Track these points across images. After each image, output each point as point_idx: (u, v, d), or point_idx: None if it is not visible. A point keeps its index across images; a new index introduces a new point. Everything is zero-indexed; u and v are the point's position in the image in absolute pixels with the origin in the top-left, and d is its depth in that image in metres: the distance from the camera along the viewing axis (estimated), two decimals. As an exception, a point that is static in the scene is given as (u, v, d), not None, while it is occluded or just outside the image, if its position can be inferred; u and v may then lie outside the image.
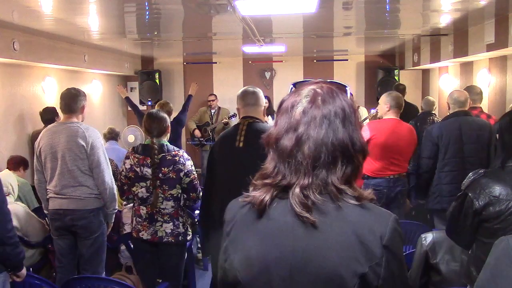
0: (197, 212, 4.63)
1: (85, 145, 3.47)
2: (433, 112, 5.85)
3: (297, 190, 1.12)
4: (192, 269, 4.22)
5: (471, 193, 2.24)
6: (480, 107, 4.73)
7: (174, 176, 3.23)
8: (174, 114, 5.77)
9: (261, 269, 1.15)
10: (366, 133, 4.05)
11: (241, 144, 2.85)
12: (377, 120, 4.46)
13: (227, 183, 2.77)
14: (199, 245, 4.86)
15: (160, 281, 3.24)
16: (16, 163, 4.59)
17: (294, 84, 1.27)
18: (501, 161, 2.25)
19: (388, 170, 4.17)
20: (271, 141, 1.19)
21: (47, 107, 5.32)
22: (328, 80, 1.25)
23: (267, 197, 1.16)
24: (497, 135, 2.33)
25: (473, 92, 4.65)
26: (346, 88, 1.24)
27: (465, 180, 2.34)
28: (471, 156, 4.02)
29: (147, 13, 4.33)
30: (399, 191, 4.21)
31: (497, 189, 2.17)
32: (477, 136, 4.04)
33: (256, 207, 1.17)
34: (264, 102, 3.04)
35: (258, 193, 1.18)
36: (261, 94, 3.02)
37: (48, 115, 5.10)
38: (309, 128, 1.14)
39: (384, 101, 4.25)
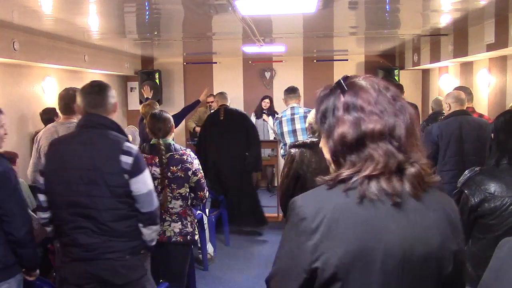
0: (197, 212, 4.64)
1: None
2: (443, 112, 5.83)
3: (412, 169, 1.15)
4: (192, 269, 4.21)
5: (467, 190, 2.30)
6: (472, 107, 4.80)
7: (182, 175, 3.25)
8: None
9: (368, 260, 1.11)
10: None
11: (221, 117, 5.92)
12: None
13: (215, 139, 5.92)
14: (199, 245, 4.88)
15: (161, 281, 3.22)
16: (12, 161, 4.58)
17: (343, 80, 1.24)
18: (495, 159, 2.33)
19: None
20: (371, 133, 1.15)
21: (46, 107, 5.32)
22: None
23: (373, 187, 1.13)
24: (492, 134, 2.41)
25: (465, 92, 4.66)
26: None
27: (461, 178, 2.42)
28: (471, 155, 4.03)
29: (147, 13, 4.34)
30: None
31: (492, 186, 2.24)
32: (477, 135, 4.04)
33: (361, 197, 1.13)
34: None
35: (364, 181, 1.13)
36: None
37: (48, 115, 5.10)
38: (404, 111, 1.19)
39: None
